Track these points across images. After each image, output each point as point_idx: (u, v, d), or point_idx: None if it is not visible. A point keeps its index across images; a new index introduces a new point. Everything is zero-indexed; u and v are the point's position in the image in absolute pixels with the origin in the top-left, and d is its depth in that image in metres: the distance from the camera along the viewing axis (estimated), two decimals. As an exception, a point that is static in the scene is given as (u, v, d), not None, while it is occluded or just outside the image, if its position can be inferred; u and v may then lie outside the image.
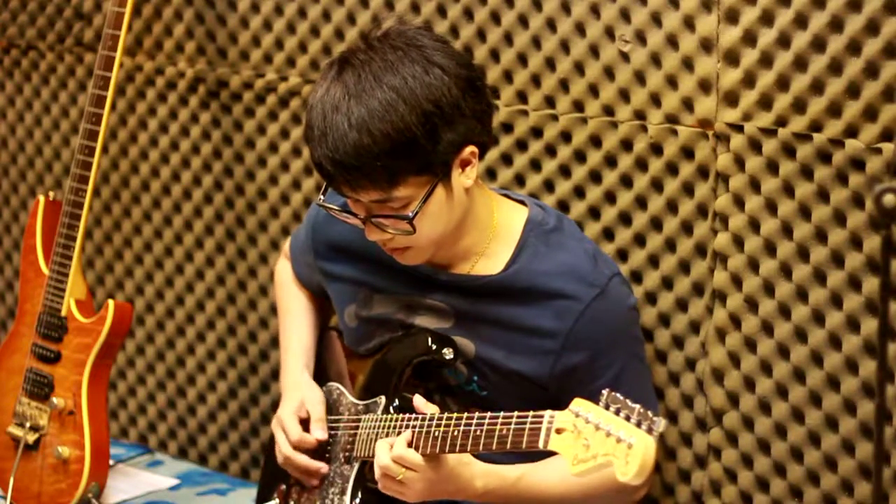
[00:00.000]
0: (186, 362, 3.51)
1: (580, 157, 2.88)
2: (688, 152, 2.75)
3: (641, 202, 2.82)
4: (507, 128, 2.95)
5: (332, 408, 2.73)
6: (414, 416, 2.48)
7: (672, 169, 2.77)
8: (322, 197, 2.58)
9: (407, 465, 2.43)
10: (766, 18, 2.61)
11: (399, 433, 2.47)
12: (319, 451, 2.70)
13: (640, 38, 2.76)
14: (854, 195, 2.56)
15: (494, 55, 2.94)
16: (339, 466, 2.66)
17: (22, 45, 3.63)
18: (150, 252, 3.51)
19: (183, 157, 3.42)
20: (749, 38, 2.63)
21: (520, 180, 2.96)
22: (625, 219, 2.85)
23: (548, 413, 2.24)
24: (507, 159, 2.97)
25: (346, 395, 2.72)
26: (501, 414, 2.32)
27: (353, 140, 2.42)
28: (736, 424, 2.75)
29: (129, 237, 3.54)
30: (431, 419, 2.43)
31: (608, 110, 2.82)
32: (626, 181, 2.83)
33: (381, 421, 2.58)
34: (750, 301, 2.70)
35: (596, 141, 2.85)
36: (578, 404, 2.19)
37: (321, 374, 2.82)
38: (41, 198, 3.22)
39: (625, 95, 2.80)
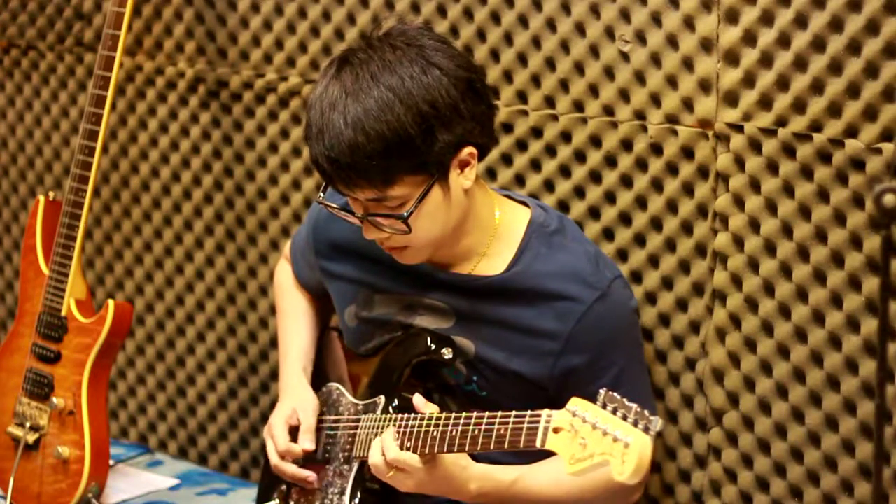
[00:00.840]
0: (186, 362, 3.51)
1: (580, 157, 2.88)
2: (688, 152, 2.75)
3: (641, 202, 2.82)
4: (507, 128, 2.95)
5: (332, 408, 2.73)
6: (413, 415, 2.47)
7: (672, 169, 2.77)
8: (322, 195, 2.58)
9: (400, 466, 2.43)
10: (766, 18, 2.61)
11: (398, 433, 2.47)
12: (318, 451, 2.70)
13: (640, 38, 2.76)
14: (854, 195, 2.56)
15: (494, 55, 2.94)
16: (339, 466, 2.66)
17: (22, 45, 3.63)
18: (150, 252, 3.51)
19: (183, 157, 3.42)
20: (749, 38, 2.63)
21: (520, 180, 2.96)
22: (625, 219, 2.85)
23: (545, 412, 2.24)
24: (507, 159, 2.97)
25: (345, 396, 2.72)
26: (499, 413, 2.32)
27: (349, 138, 2.43)
28: (736, 424, 2.75)
29: (129, 237, 3.54)
30: (430, 419, 2.43)
31: (608, 110, 2.82)
32: (626, 181, 2.83)
33: (380, 421, 2.58)
34: (750, 301, 2.70)
35: (596, 141, 2.85)
36: (576, 403, 2.19)
37: (321, 374, 2.82)
38: (41, 198, 3.22)
39: (625, 95, 2.80)
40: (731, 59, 2.65)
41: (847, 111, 2.54)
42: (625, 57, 2.78)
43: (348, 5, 3.12)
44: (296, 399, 2.74)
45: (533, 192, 2.92)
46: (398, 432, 2.45)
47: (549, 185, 2.92)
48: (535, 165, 2.94)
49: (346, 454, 2.65)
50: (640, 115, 2.78)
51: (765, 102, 2.63)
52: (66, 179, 3.44)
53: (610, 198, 2.86)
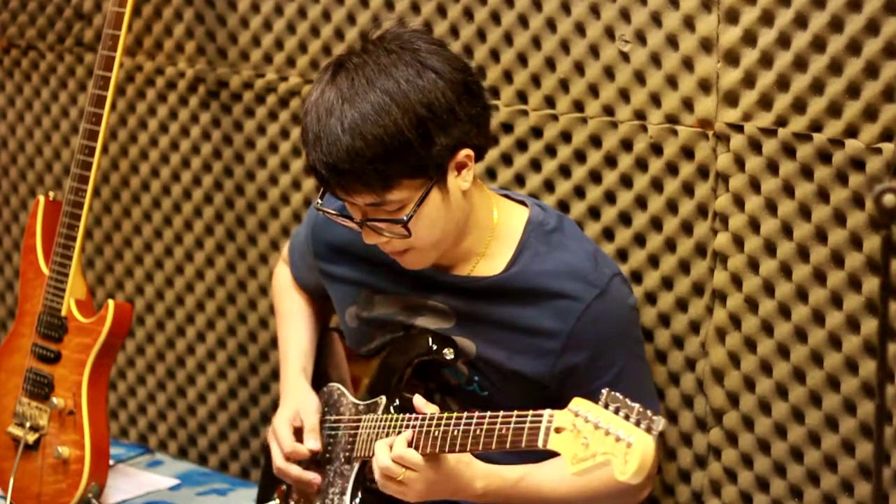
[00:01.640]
0: (186, 362, 3.51)
1: (580, 157, 2.88)
2: (688, 152, 2.75)
3: (641, 202, 2.82)
4: (507, 128, 2.95)
5: (332, 408, 2.73)
6: (414, 415, 2.48)
7: (672, 169, 2.77)
8: (320, 201, 2.58)
9: (407, 465, 2.43)
10: (766, 18, 2.61)
11: (399, 433, 2.47)
12: (318, 453, 2.70)
13: (640, 38, 2.76)
14: (854, 195, 2.56)
15: (494, 55, 2.94)
16: (340, 466, 2.66)
17: (22, 45, 3.63)
18: (150, 252, 3.51)
19: (183, 157, 3.42)
20: (749, 38, 2.63)
21: (520, 180, 2.96)
22: (625, 219, 2.85)
23: (547, 412, 2.24)
24: (507, 159, 2.97)
25: (346, 396, 2.72)
26: (501, 413, 2.32)
27: (346, 144, 2.43)
28: (736, 424, 2.75)
29: (129, 237, 3.54)
30: (431, 419, 2.43)
31: (608, 110, 2.82)
32: (626, 181, 2.83)
33: (381, 421, 2.58)
34: (750, 301, 2.70)
35: (596, 141, 2.85)
36: (578, 403, 2.19)
37: (322, 374, 2.82)
38: (41, 198, 3.22)
39: (625, 95, 2.80)
40: (731, 59, 2.65)
41: (847, 111, 2.54)
42: (625, 57, 2.78)
43: (348, 5, 3.12)
44: (298, 400, 2.74)
45: (533, 192, 2.93)
46: (398, 433, 2.46)
47: (549, 185, 2.92)
48: (535, 165, 2.94)
49: (347, 454, 2.65)
50: (640, 115, 2.78)
51: (765, 102, 2.63)
52: (66, 179, 3.44)
53: (610, 198, 2.86)
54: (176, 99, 3.40)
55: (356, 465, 2.62)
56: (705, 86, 2.70)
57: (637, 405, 2.12)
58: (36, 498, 3.10)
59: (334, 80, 2.48)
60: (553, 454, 2.24)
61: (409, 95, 2.44)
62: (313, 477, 2.67)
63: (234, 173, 3.35)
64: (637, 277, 2.84)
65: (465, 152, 2.50)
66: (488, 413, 2.35)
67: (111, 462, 3.21)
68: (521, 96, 2.93)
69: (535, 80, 2.90)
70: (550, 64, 2.88)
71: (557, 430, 2.21)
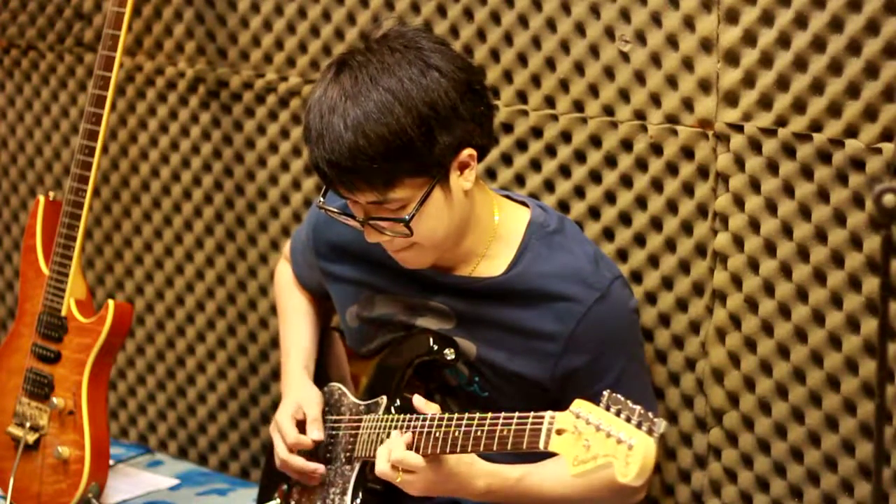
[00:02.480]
0: (186, 362, 3.51)
1: (580, 157, 2.88)
2: (688, 152, 2.75)
3: (641, 202, 2.82)
4: (507, 128, 2.95)
5: (333, 408, 2.73)
6: (415, 416, 2.48)
7: (672, 169, 2.77)
8: (322, 199, 2.58)
9: (406, 468, 2.43)
10: (766, 18, 2.61)
11: (401, 433, 2.47)
12: (319, 451, 2.70)
13: (640, 38, 2.76)
14: (854, 195, 2.56)
15: (494, 55, 2.94)
16: (340, 467, 2.66)
17: (22, 45, 3.63)
18: (150, 252, 3.51)
19: (183, 157, 3.42)
20: (749, 38, 2.63)
21: (520, 180, 2.96)
22: (625, 219, 2.85)
23: (548, 414, 2.24)
24: (507, 159, 2.97)
25: (347, 396, 2.72)
26: (502, 415, 2.32)
27: (349, 142, 2.43)
28: (736, 424, 2.75)
29: (129, 237, 3.54)
30: (432, 420, 2.43)
31: (608, 110, 2.82)
32: (626, 181, 2.83)
33: (382, 421, 2.58)
34: (750, 301, 2.70)
35: (596, 141, 2.85)
36: (579, 405, 2.19)
37: (322, 374, 2.82)
38: (41, 198, 3.22)
39: (625, 95, 2.80)
40: (731, 59, 2.65)
41: (847, 111, 2.54)
42: (625, 57, 2.78)
43: (348, 5, 3.12)
44: (299, 395, 2.74)
45: (533, 192, 2.93)
46: (401, 433, 2.46)
47: (549, 185, 2.92)
48: (535, 165, 2.94)
49: (348, 454, 2.65)
50: (640, 115, 2.78)
51: (765, 102, 2.63)
52: (66, 179, 3.44)
53: (610, 198, 2.86)
54: (176, 99, 3.40)
55: (357, 466, 2.62)
56: (705, 86, 2.70)
57: (638, 407, 2.12)
58: (36, 498, 3.10)
59: (338, 77, 2.48)
60: (552, 455, 2.24)
61: (412, 94, 2.44)
62: (317, 467, 2.67)
63: (234, 173, 3.35)
64: (637, 277, 2.84)
65: (467, 152, 2.50)
66: (489, 414, 2.35)
67: (111, 462, 3.21)
68: (521, 96, 2.93)
69: (535, 80, 2.90)
70: (550, 64, 2.88)
71: (559, 432, 2.20)
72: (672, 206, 2.78)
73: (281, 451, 2.69)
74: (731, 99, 2.66)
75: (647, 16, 2.74)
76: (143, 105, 3.45)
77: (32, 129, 3.66)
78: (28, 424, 3.12)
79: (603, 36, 2.80)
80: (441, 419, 2.42)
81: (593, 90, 2.83)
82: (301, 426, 2.70)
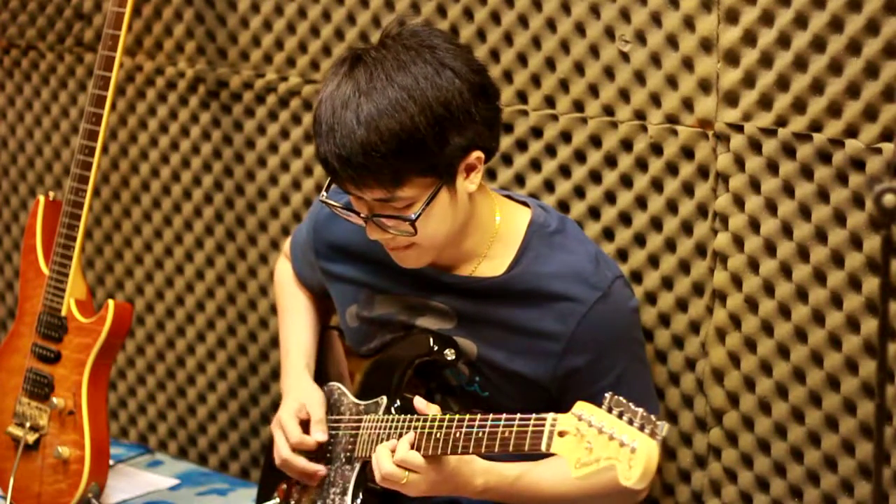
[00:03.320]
0: (186, 362, 3.51)
1: (580, 157, 2.88)
2: (688, 152, 2.75)
3: (641, 202, 2.82)
4: (507, 128, 2.95)
5: (333, 408, 2.73)
6: (415, 417, 2.47)
7: (672, 169, 2.77)
8: (325, 193, 2.58)
9: (410, 468, 2.43)
10: (766, 18, 2.61)
11: (401, 434, 2.47)
12: (320, 451, 2.70)
13: (640, 38, 2.76)
14: (854, 195, 2.56)
15: (494, 55, 2.94)
16: (341, 467, 2.66)
17: (22, 45, 3.63)
18: (150, 252, 3.51)
19: (183, 157, 3.42)
20: (749, 38, 2.63)
21: (520, 180, 2.96)
22: (625, 219, 2.85)
23: (550, 416, 2.24)
24: (507, 159, 2.97)
25: (347, 396, 2.72)
26: (503, 416, 2.32)
27: (361, 137, 2.42)
28: (736, 424, 2.75)
29: (129, 237, 3.54)
30: (433, 420, 2.43)
31: (608, 110, 2.82)
32: (626, 181, 2.83)
33: (382, 421, 2.58)
34: (750, 301, 2.70)
35: (596, 141, 2.85)
36: (581, 407, 2.18)
37: (322, 373, 2.82)
38: (41, 198, 3.22)
39: (625, 95, 2.80)
40: (731, 59, 2.65)
41: (847, 111, 2.54)
42: (625, 57, 2.78)
43: (348, 5, 3.12)
44: (302, 394, 2.74)
45: (533, 192, 2.93)
46: (400, 435, 2.46)
47: (549, 185, 2.92)
48: (535, 165, 2.94)
49: (348, 454, 2.64)
50: (640, 115, 2.78)
51: (765, 102, 2.63)
52: (66, 179, 3.44)
53: (610, 198, 2.86)
54: (176, 99, 3.40)
55: (357, 466, 2.62)
56: (705, 86, 2.70)
57: (641, 410, 2.12)
58: (36, 498, 3.10)
59: (352, 73, 2.47)
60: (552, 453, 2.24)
61: (426, 93, 2.43)
62: (318, 468, 2.67)
63: (234, 173, 3.35)
64: (637, 277, 2.84)
65: (476, 154, 2.50)
66: (490, 415, 2.35)
67: (111, 462, 3.21)
68: (521, 96, 2.93)
69: (535, 80, 2.90)
70: (550, 64, 2.88)
71: (561, 434, 2.20)
72: (672, 206, 2.78)
73: (283, 451, 2.69)
74: (731, 99, 2.66)
75: (647, 16, 2.74)
76: (143, 105, 3.45)
77: (32, 129, 3.66)
78: (28, 424, 3.12)
79: (603, 36, 2.80)
80: (442, 420, 2.42)
81: (593, 90, 2.83)
82: (304, 426, 2.70)
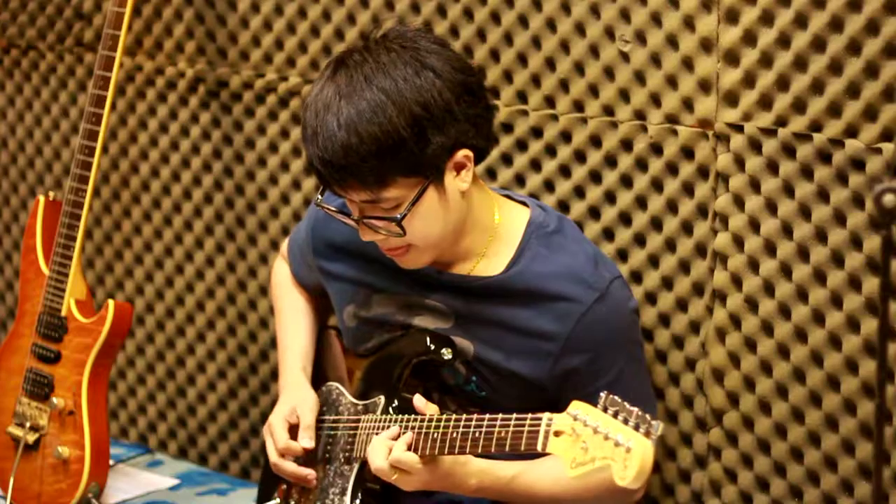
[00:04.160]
0: (186, 362, 3.51)
1: (580, 157, 2.88)
2: (688, 152, 2.75)
3: (641, 202, 2.82)
4: (507, 128, 2.95)
5: (331, 407, 2.73)
6: (413, 416, 2.48)
7: (672, 169, 2.77)
8: (320, 197, 2.59)
9: (404, 468, 2.43)
10: (766, 18, 2.61)
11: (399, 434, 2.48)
12: (318, 451, 2.70)
13: (640, 38, 2.76)
14: (854, 195, 2.56)
15: (494, 55, 2.94)
16: (340, 466, 2.66)
17: (22, 45, 3.63)
18: (150, 252, 3.51)
19: (183, 157, 3.42)
20: (749, 38, 2.63)
21: (520, 180, 2.96)
22: (625, 219, 2.85)
23: (546, 416, 2.24)
24: (507, 159, 2.97)
25: (345, 395, 2.72)
26: (500, 416, 2.33)
27: (342, 140, 2.43)
28: (736, 424, 2.75)
29: (129, 237, 3.54)
30: (430, 420, 2.43)
31: (608, 110, 2.82)
32: (626, 181, 2.83)
33: (380, 421, 2.58)
34: (750, 301, 2.70)
35: (596, 141, 2.85)
36: (577, 407, 2.19)
37: (320, 373, 2.82)
38: (41, 198, 3.22)
39: (625, 95, 2.80)
40: (731, 59, 2.65)
41: (847, 111, 2.54)
42: (625, 57, 2.78)
43: (348, 5, 3.12)
44: (295, 397, 2.74)
45: (533, 192, 2.93)
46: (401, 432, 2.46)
47: (549, 185, 2.92)
48: (535, 165, 2.94)
49: (347, 454, 2.65)
50: (640, 115, 2.78)
51: (765, 102, 2.63)
52: (66, 179, 3.44)
53: (610, 198, 2.86)
54: (176, 99, 3.40)
55: (356, 466, 2.62)
56: (705, 86, 2.70)
57: (636, 409, 2.12)
58: (36, 498, 3.10)
59: (334, 76, 2.48)
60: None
61: (405, 94, 2.44)
62: (308, 473, 2.67)
63: (234, 173, 3.35)
64: (637, 277, 2.84)
65: (463, 153, 2.50)
66: (487, 415, 2.35)
67: (111, 462, 3.21)
68: (521, 96, 2.93)
69: (535, 80, 2.90)
70: (550, 64, 2.88)
71: (556, 434, 2.20)
72: (672, 206, 2.78)
73: (271, 455, 2.70)
74: (731, 99, 2.66)
75: (647, 16, 2.74)
76: (143, 105, 3.45)
77: (32, 129, 3.66)
78: (28, 424, 3.12)
79: (603, 36, 2.80)
80: (439, 420, 2.42)
81: (593, 90, 2.83)
82: (294, 430, 2.70)
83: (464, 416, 2.38)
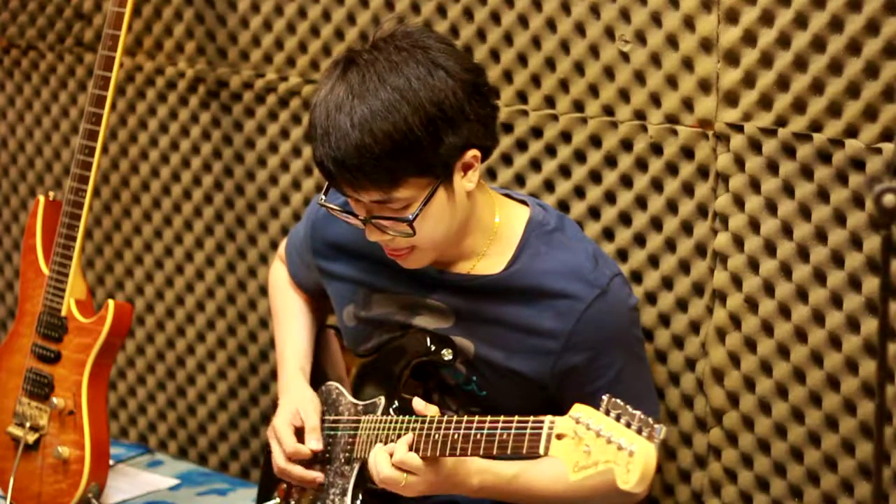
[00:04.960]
0: (186, 362, 3.51)
1: (580, 157, 2.88)
2: (688, 152, 2.75)
3: (641, 202, 2.82)
4: (507, 128, 2.95)
5: (331, 408, 2.73)
6: (414, 418, 2.47)
7: (672, 169, 2.77)
8: (324, 197, 2.58)
9: (407, 469, 2.43)
10: (766, 18, 2.61)
11: (399, 435, 2.47)
12: (319, 454, 2.70)
13: (640, 38, 2.76)
14: (854, 195, 2.56)
15: (494, 55, 2.94)
16: (340, 467, 2.65)
17: (22, 45, 3.63)
18: (150, 252, 3.51)
19: (183, 157, 3.42)
20: (749, 38, 2.63)
21: (520, 180, 2.96)
22: (625, 219, 2.85)
23: (548, 419, 2.24)
24: (507, 159, 2.97)
25: (345, 396, 2.72)
26: (501, 418, 2.32)
27: (355, 139, 2.42)
28: (736, 424, 2.75)
29: (129, 237, 3.54)
30: (431, 422, 2.43)
31: (608, 110, 2.82)
32: (626, 181, 2.83)
33: (381, 422, 2.58)
34: (750, 301, 2.70)
35: (596, 141, 2.85)
36: (579, 410, 2.18)
37: (320, 373, 2.82)
38: (41, 198, 3.22)
39: (625, 95, 2.80)
40: (731, 59, 2.65)
41: (847, 111, 2.54)
42: (625, 57, 2.78)
43: (348, 5, 3.12)
44: (297, 399, 2.74)
45: (533, 192, 2.93)
46: (399, 436, 2.46)
47: (549, 185, 2.92)
48: (535, 165, 2.94)
49: (347, 455, 2.64)
50: (640, 115, 2.78)
51: (765, 102, 2.63)
52: (66, 179, 3.44)
53: (610, 198, 2.86)
54: (176, 99, 3.40)
55: (356, 466, 2.62)
56: (705, 86, 2.70)
57: (638, 413, 2.11)
58: (36, 498, 3.10)
59: (345, 75, 2.47)
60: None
61: (419, 93, 2.43)
62: (316, 476, 2.67)
63: (234, 173, 3.35)
64: (637, 277, 2.84)
65: (472, 153, 2.50)
66: (489, 418, 2.35)
67: (111, 462, 3.21)
68: (521, 96, 2.93)
69: (535, 80, 2.90)
70: (550, 64, 2.88)
71: (559, 437, 2.20)
72: (672, 206, 2.78)
73: (279, 460, 2.69)
74: (731, 99, 2.66)
75: (647, 16, 2.74)
76: (143, 105, 3.45)
77: (32, 129, 3.66)
78: (28, 424, 3.12)
79: (603, 36, 2.80)
80: (440, 421, 2.42)
81: (593, 90, 2.83)
82: (299, 433, 2.70)
83: (465, 418, 2.38)
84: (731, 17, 2.64)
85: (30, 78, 3.64)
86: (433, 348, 2.59)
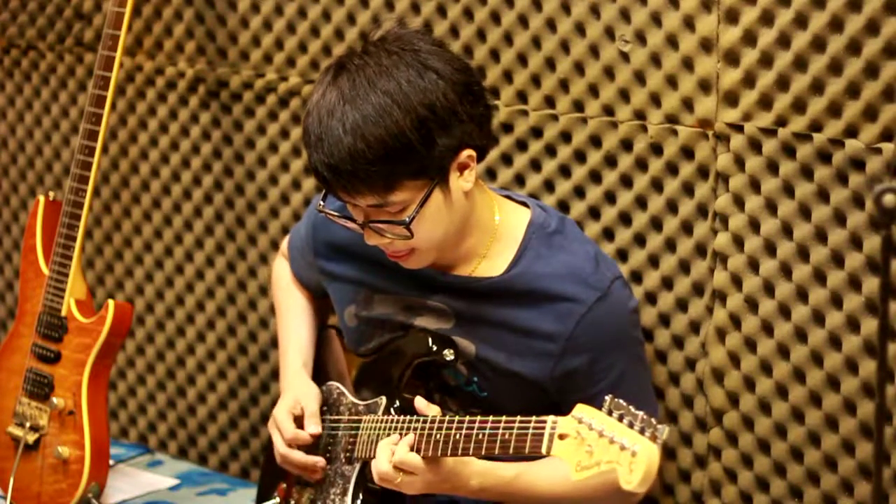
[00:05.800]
0: (186, 362, 3.51)
1: (580, 157, 2.88)
2: (688, 152, 2.75)
3: (641, 202, 2.82)
4: (507, 128, 2.95)
5: (332, 407, 2.73)
6: (415, 418, 2.47)
7: (672, 169, 2.77)
8: (322, 202, 2.58)
9: (407, 469, 2.43)
10: (766, 18, 2.61)
11: (401, 435, 2.47)
12: (319, 450, 2.70)
13: (640, 38, 2.76)
14: (854, 195, 2.56)
15: (494, 55, 2.94)
16: (340, 467, 2.66)
17: (22, 45, 3.63)
18: (150, 252, 3.51)
19: (183, 157, 3.42)
20: (749, 38, 2.63)
21: (520, 180, 2.96)
22: (625, 219, 2.85)
23: (550, 419, 2.24)
24: (507, 159, 2.97)
25: (346, 395, 2.72)
26: (504, 418, 2.32)
27: (348, 145, 2.43)
28: (736, 424, 2.75)
29: (129, 237, 3.54)
30: (433, 422, 2.43)
31: (608, 110, 2.82)
32: (626, 181, 2.83)
33: (382, 422, 2.58)
34: (750, 301, 2.70)
35: (596, 141, 2.85)
36: (581, 410, 2.18)
37: (320, 373, 2.82)
38: (41, 198, 3.22)
39: (625, 95, 2.80)
40: (731, 59, 2.65)
41: (847, 111, 2.54)
42: (625, 57, 2.78)
43: (348, 5, 3.12)
44: (297, 391, 2.74)
45: (533, 192, 2.93)
46: (400, 435, 2.46)
47: (549, 185, 2.92)
48: (535, 165, 2.94)
49: (348, 454, 2.65)
50: (640, 115, 2.78)
51: (765, 102, 2.63)
52: (66, 179, 3.44)
53: (610, 198, 2.86)
54: (176, 99, 3.40)
55: (357, 466, 2.62)
56: (705, 86, 2.70)
57: (641, 413, 2.11)
58: (36, 498, 3.10)
59: (336, 81, 2.48)
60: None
61: (410, 96, 2.44)
62: (317, 460, 2.67)
63: (234, 173, 3.35)
64: (637, 277, 2.84)
65: (467, 153, 2.50)
66: (491, 418, 2.35)
67: (111, 462, 3.21)
68: (521, 96, 2.93)
69: (535, 80, 2.90)
70: (550, 64, 2.88)
71: (561, 437, 2.20)
72: (672, 206, 2.78)
73: (280, 447, 2.69)
74: (731, 99, 2.66)
75: (647, 16, 2.74)
76: (143, 105, 3.45)
77: (32, 129, 3.66)
78: (28, 424, 3.12)
79: (603, 36, 2.80)
80: (442, 421, 2.42)
81: (593, 90, 2.83)
82: (299, 421, 2.70)
83: (467, 418, 2.38)
84: (731, 17, 2.64)
85: (30, 78, 3.64)
86: (435, 348, 2.59)
